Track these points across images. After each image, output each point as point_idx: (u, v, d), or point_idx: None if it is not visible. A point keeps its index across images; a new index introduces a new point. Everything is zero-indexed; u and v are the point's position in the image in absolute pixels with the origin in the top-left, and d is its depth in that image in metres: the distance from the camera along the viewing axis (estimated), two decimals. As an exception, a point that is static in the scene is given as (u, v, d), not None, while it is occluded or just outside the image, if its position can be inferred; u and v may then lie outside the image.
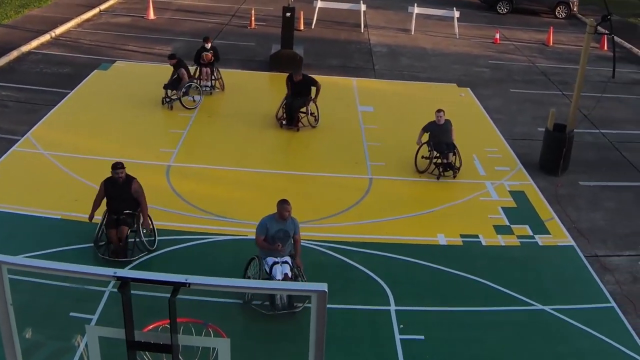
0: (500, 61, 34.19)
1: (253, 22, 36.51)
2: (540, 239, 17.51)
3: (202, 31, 34.27)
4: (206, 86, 25.66)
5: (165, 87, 24.09)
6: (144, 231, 15.36)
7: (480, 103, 27.27)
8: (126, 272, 6.12)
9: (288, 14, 28.71)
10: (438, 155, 20.16)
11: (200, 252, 15.83)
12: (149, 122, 22.66)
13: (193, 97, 24.44)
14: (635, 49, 38.40)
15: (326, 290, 5.84)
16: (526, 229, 17.87)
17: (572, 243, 17.51)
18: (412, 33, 38.11)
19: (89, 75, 26.47)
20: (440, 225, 17.77)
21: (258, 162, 20.33)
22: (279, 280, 13.05)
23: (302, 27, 36.48)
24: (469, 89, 28.94)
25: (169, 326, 6.55)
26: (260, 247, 13.91)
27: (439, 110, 20.58)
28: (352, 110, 25.38)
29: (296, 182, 19.55)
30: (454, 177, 20.17)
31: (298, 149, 21.45)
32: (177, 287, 6.06)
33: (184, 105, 23.87)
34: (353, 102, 26.23)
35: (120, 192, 15.28)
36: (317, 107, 23.17)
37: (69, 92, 24.61)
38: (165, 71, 26.49)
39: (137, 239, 15.29)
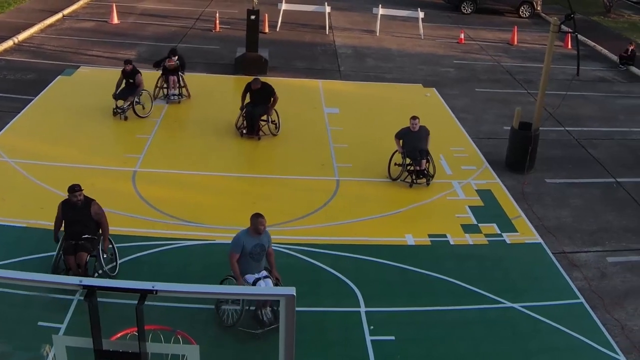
0: (465, 61, 34.34)
1: (217, 26, 36.39)
2: (508, 237, 17.58)
3: (166, 35, 34.25)
4: (174, 95, 25.00)
5: (117, 96, 23.00)
6: (105, 256, 14.59)
7: (446, 103, 27.34)
8: (92, 281, 6.04)
9: (253, 17, 28.60)
10: (410, 162, 19.67)
11: (168, 258, 15.70)
12: (114, 127, 22.46)
13: (144, 104, 23.56)
14: (598, 47, 38.75)
15: (294, 294, 5.81)
16: (494, 228, 17.93)
17: (540, 240, 17.59)
18: (377, 34, 38.16)
19: (53, 81, 26.21)
20: (408, 226, 17.78)
21: (225, 166, 20.23)
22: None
23: (267, 30, 36.43)
24: (434, 89, 29.00)
25: (137, 334, 6.48)
26: (232, 268, 13.14)
27: (413, 117, 19.98)
28: (318, 112, 25.34)
29: (263, 186, 19.48)
30: (427, 184, 19.80)
31: (264, 152, 21.36)
32: (144, 294, 5.98)
33: (137, 114, 23.10)
34: (319, 104, 26.20)
35: (79, 216, 14.31)
36: (277, 114, 22.68)
37: (33, 99, 24.34)
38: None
39: (97, 265, 14.40)
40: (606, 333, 14.21)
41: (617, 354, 13.60)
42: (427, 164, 19.76)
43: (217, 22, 36.54)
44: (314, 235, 16.93)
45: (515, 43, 38.58)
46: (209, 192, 18.74)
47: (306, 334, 12.70)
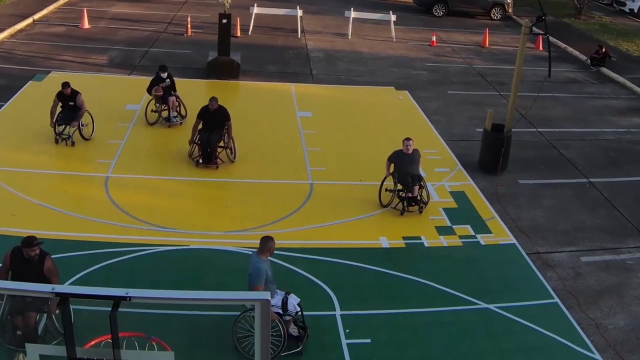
0: (437, 63, 34.41)
1: (189, 30, 36.25)
2: (482, 238, 17.61)
3: (137, 40, 34.06)
4: (175, 117, 23.54)
5: (60, 122, 21.18)
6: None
7: (419, 105, 27.36)
8: (65, 288, 5.97)
9: (224, 21, 28.53)
10: (402, 188, 18.45)
11: (141, 264, 15.58)
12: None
13: (85, 124, 21.54)
14: (570, 48, 38.98)
15: (269, 299, 5.77)
16: (468, 229, 17.96)
17: (514, 241, 17.64)
18: (349, 37, 38.16)
19: (24, 87, 25.98)
20: (382, 228, 17.77)
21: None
22: (297, 311, 13.04)
23: (239, 34, 36.35)
24: (407, 91, 29.04)
25: (110, 341, 6.40)
26: None
27: (407, 139, 18.62)
28: (290, 115, 25.28)
29: (236, 190, 19.40)
30: (420, 212, 18.56)
31: (237, 155, 21.22)
32: (117, 301, 5.91)
33: (84, 137, 21.46)
34: (291, 107, 26.14)
35: (30, 271, 12.32)
36: (232, 140, 20.77)
37: (3, 105, 24.13)
38: (103, 82, 26.30)
39: (49, 324, 12.75)
40: (581, 332, 14.26)
41: (592, 352, 13.66)
42: (420, 190, 18.58)
43: (189, 26, 36.39)
44: (288, 239, 16.87)
45: (487, 45, 38.72)
46: (181, 197, 18.63)
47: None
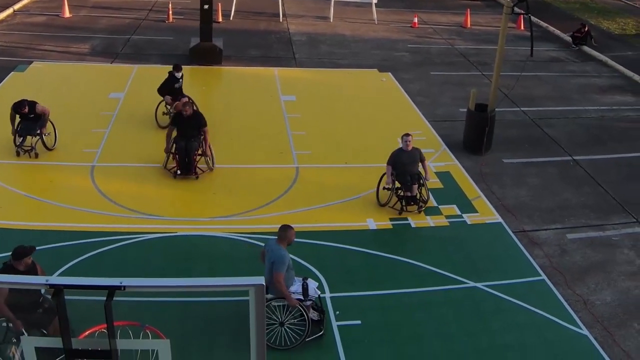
0: (419, 45, 34.43)
1: (171, 16, 36.13)
2: (469, 218, 17.71)
3: (119, 27, 33.94)
4: None
5: (20, 133, 19.63)
6: None
7: (402, 87, 27.41)
8: (59, 279, 5.97)
9: (206, 6, 28.44)
10: (400, 187, 17.82)
11: (130, 252, 15.59)
12: (70, 122, 22.13)
13: (48, 133, 19.97)
14: (551, 28, 39.08)
15: (264, 284, 5.79)
16: (454, 209, 18.05)
17: (500, 220, 17.74)
18: (331, 20, 38.13)
19: (6, 78, 25.83)
20: (369, 210, 17.81)
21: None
22: (318, 295, 13.12)
23: (220, 19, 36.22)
24: (390, 73, 29.07)
25: (105, 331, 6.42)
26: (282, 289, 12.29)
27: (406, 135, 17.81)
28: (274, 100, 25.27)
29: (222, 176, 19.36)
30: (419, 211, 17.82)
31: (222, 141, 21.15)
32: (112, 291, 5.92)
33: (47, 147, 19.90)
34: (275, 92, 26.12)
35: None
36: (210, 147, 19.39)
37: (-14, 96, 24.05)
38: (85, 71, 26.23)
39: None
40: (569, 308, 14.38)
41: (580, 328, 13.78)
42: (419, 188, 17.87)
43: (170, 12, 36.28)
44: (275, 223, 16.74)
45: (469, 26, 38.77)
46: (168, 185, 18.60)
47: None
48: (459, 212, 17.87)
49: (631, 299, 15.01)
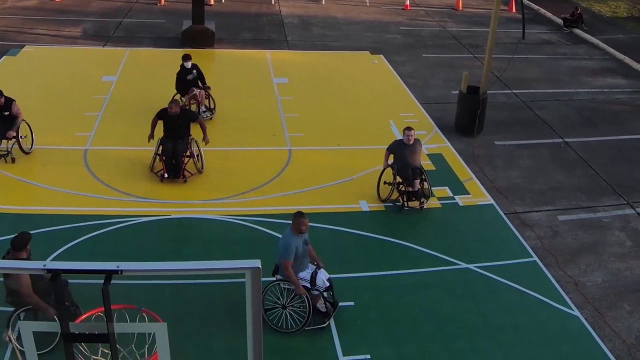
0: (411, 27, 34.42)
1: (162, -1, 36.10)
2: (461, 200, 17.79)
3: (111, 10, 33.84)
4: (204, 111, 21.67)
5: None
6: None
7: (394, 69, 27.44)
8: (56, 264, 5.98)
9: (198, -11, 28.44)
10: (402, 181, 17.24)
11: (125, 235, 15.61)
12: (62, 106, 22.13)
13: (24, 136, 18.86)
14: (543, 10, 39.10)
15: (260, 267, 5.82)
16: (446, 191, 18.12)
17: (492, 202, 17.83)
18: (323, 2, 38.10)
19: (-2, 62, 25.87)
20: (361, 192, 17.86)
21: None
22: (327, 286, 12.93)
23: (212, 2, 36.18)
24: (382, 55, 29.09)
25: (102, 314, 6.46)
26: (289, 275, 12.40)
27: (408, 129, 17.17)
28: (267, 82, 25.27)
29: (215, 158, 19.32)
30: (421, 207, 17.33)
31: (214, 124, 21.13)
32: (109, 275, 5.95)
33: (24, 151, 18.69)
34: (267, 74, 26.13)
35: None
36: (198, 145, 18.44)
37: (-22, 79, 23.99)
38: (77, 54, 26.21)
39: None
40: (560, 290, 14.49)
41: (571, 309, 13.90)
42: (422, 183, 17.27)
43: (162, -5, 36.22)
44: (269, 205, 16.96)
45: (460, 8, 38.78)
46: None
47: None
48: (451, 194, 17.94)
49: (621, 280, 15.13)
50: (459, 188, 18.36)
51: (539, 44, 32.74)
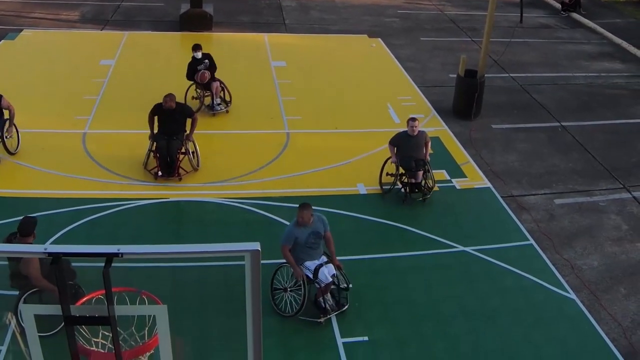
0: (409, 10, 34.40)
1: (160, -18, 36.01)
2: (458, 183, 17.86)
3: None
4: (219, 104, 21.06)
5: None
6: None
7: (392, 53, 27.46)
8: (57, 247, 6.00)
9: (196, -28, 28.39)
10: (404, 173, 16.97)
11: (124, 218, 15.67)
12: (61, 90, 22.15)
13: (9, 136, 17.86)
14: (540, -7, 39.04)
15: (259, 249, 5.82)
16: (443, 174, 18.16)
17: (489, 185, 17.90)
18: (321, -14, 38.09)
19: (-4, 45, 25.86)
20: (359, 175, 17.94)
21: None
22: (328, 282, 12.68)
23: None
24: (380, 39, 29.09)
25: (102, 297, 6.48)
26: (286, 258, 12.58)
27: (412, 119, 16.77)
28: (264, 66, 25.29)
29: (213, 141, 19.43)
30: (424, 199, 16.97)
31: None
32: (110, 258, 5.97)
33: (9, 151, 17.75)
34: (265, 58, 26.14)
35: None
36: (195, 143, 17.75)
37: (-23, 63, 24.00)
38: (75, 38, 26.18)
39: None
40: (556, 273, 14.58)
41: (568, 292, 13.98)
42: (425, 175, 16.97)
43: (159, -22, 36.12)
44: (267, 188, 17.02)
45: (458, -9, 38.77)
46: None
47: (265, 286, 12.84)
48: (448, 177, 18.01)
49: (617, 264, 15.22)
50: (456, 171, 18.42)
51: (537, 28, 32.74)
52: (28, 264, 11.13)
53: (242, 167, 17.94)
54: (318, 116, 21.11)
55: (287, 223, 15.35)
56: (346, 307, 13.01)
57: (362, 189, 17.29)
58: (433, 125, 20.94)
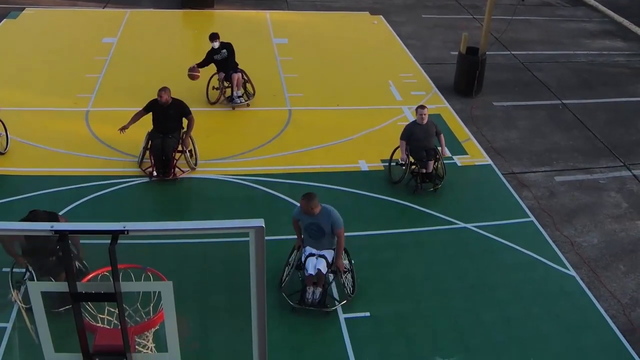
0: (410, -13, 34.36)
1: (161, -41, 35.88)
2: (459, 160, 17.93)
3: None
4: (239, 96, 20.15)
5: None
6: None
7: (393, 30, 27.46)
8: (64, 225, 6.05)
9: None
10: (415, 162, 16.60)
11: (127, 195, 15.75)
12: (63, 68, 22.18)
13: None
14: (541, -30, 38.92)
15: (263, 226, 5.84)
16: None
17: (490, 162, 17.97)
18: (322, -37, 37.98)
19: (-2, 24, 25.87)
20: (360, 152, 18.02)
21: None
22: (310, 274, 12.37)
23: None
24: (381, 16, 29.10)
25: (107, 274, 6.54)
26: (293, 227, 12.82)
27: (421, 107, 16.27)
28: (266, 43, 25.32)
29: (216, 118, 19.47)
30: (435, 190, 16.49)
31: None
32: (116, 235, 6.03)
33: None
34: (267, 35, 26.16)
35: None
36: (192, 140, 16.78)
37: (-21, 41, 24.00)
38: (77, 16, 26.18)
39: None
40: (556, 249, 14.68)
41: (567, 269, 14.08)
42: (435, 164, 16.59)
43: (161, -46, 36.00)
44: (269, 165, 17.09)
45: (460, -32, 38.65)
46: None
47: (266, 262, 12.88)
48: (449, 154, 18.02)
49: (617, 241, 15.31)
50: (457, 148, 18.48)
51: (538, 6, 32.72)
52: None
53: (244, 144, 18.00)
54: (320, 93, 21.17)
55: (289, 199, 15.54)
56: (329, 309, 12.54)
57: (363, 166, 17.36)
58: (434, 103, 20.98)
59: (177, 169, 16.41)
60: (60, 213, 14.40)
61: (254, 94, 20.53)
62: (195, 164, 16.69)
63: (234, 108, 20.11)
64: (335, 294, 12.83)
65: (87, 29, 25.76)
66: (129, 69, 22.40)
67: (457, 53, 22.21)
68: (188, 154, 16.55)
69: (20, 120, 18.44)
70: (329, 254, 12.62)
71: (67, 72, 21.84)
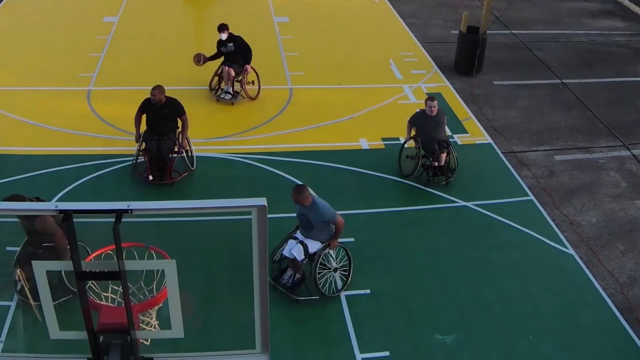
0: (411, -34, 34.25)
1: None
2: (459, 138, 17.99)
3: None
4: (227, 92, 19.18)
5: None
6: None
7: (394, 8, 27.42)
8: (68, 205, 6.08)
9: None
10: (426, 155, 15.92)
11: (129, 173, 15.79)
12: (65, 47, 22.17)
13: None
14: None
15: (265, 205, 5.87)
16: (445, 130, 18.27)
17: (490, 141, 18.04)
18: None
19: (1, 4, 25.71)
20: (361, 130, 18.08)
21: (178, 80, 20.10)
22: (283, 255, 12.43)
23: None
24: (382, -6, 29.09)
25: (110, 253, 6.57)
26: None
27: (431, 99, 15.84)
28: (267, 21, 25.30)
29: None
30: (447, 183, 16.03)
31: (217, 63, 21.20)
32: (120, 214, 6.07)
33: None
34: (268, 13, 26.13)
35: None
36: (189, 141, 15.92)
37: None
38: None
39: None
40: (555, 228, 14.78)
41: (566, 248, 14.19)
42: (448, 157, 16.09)
43: None
44: (270, 143, 17.15)
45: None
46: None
47: (272, 243, 12.94)
48: (449, 133, 18.09)
49: (615, 220, 15.42)
50: (457, 127, 18.55)
51: (539, -16, 32.69)
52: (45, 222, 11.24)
53: (246, 123, 18.07)
54: (321, 72, 21.20)
55: (291, 178, 15.61)
56: (297, 299, 12.41)
57: (364, 144, 17.43)
58: (435, 82, 21.04)
59: (174, 172, 15.56)
60: (62, 193, 14.55)
61: (258, 94, 19.54)
62: (193, 166, 15.95)
63: (217, 100, 19.24)
64: (336, 285, 12.79)
65: (88, 8, 25.69)
66: (131, 48, 22.40)
67: (457, 32, 22.21)
68: (185, 154, 15.82)
69: (22, 100, 18.50)
70: (312, 244, 12.39)
71: (69, 52, 21.83)
